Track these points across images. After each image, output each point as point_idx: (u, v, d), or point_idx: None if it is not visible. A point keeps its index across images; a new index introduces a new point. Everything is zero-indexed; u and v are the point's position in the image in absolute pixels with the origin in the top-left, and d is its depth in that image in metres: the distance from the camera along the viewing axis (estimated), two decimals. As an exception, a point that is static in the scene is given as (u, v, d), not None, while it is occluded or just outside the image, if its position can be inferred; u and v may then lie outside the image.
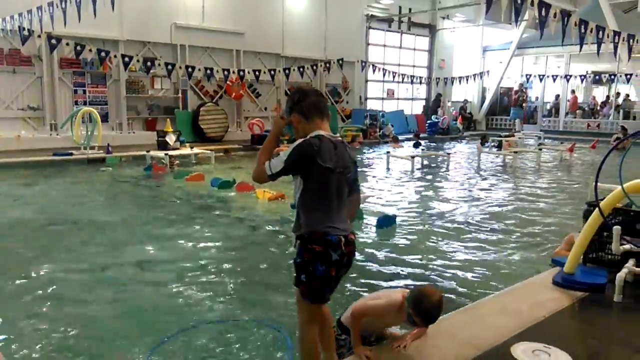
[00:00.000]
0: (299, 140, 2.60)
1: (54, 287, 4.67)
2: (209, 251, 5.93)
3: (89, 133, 13.05)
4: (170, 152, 12.57)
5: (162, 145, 13.43)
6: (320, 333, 2.69)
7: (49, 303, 4.33)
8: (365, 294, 4.58)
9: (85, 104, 14.78)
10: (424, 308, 2.85)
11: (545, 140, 19.44)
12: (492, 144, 17.89)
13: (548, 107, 26.00)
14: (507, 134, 19.75)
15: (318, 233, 2.52)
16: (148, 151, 12.76)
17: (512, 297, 4.01)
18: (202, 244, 6.17)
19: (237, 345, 3.58)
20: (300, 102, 2.64)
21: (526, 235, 6.72)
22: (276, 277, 5.02)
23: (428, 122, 23.46)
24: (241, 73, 16.07)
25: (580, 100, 26.11)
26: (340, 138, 2.72)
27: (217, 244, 6.27)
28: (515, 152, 14.86)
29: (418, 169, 13.17)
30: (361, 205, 7.97)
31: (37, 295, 4.47)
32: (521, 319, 3.57)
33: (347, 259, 2.62)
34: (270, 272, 5.23)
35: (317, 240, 2.51)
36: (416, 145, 18.37)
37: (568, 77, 23.79)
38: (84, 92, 15.19)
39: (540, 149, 15.72)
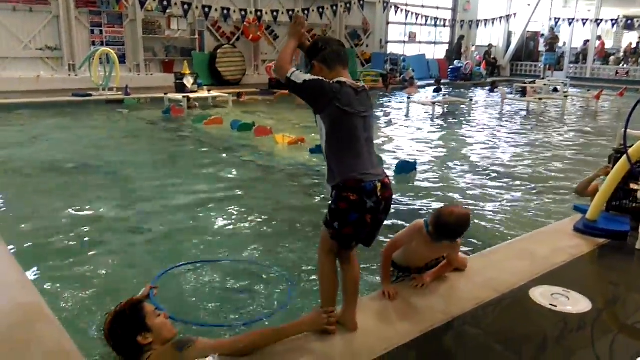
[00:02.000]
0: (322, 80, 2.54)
1: (76, 227, 4.79)
2: (228, 192, 5.96)
3: (107, 74, 12.99)
4: (188, 95, 12.50)
5: (180, 87, 13.34)
6: (344, 278, 2.72)
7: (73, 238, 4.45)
8: (382, 239, 4.63)
9: (102, 44, 14.63)
10: (442, 222, 2.90)
11: (571, 89, 18.82)
12: (515, 90, 17.41)
13: (575, 53, 25.02)
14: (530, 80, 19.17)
15: (352, 181, 2.47)
16: (166, 93, 12.70)
17: (532, 243, 3.98)
18: (220, 185, 6.22)
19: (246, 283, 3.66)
20: (323, 51, 2.60)
21: (548, 183, 6.63)
22: (294, 219, 5.05)
23: (450, 67, 22.79)
24: (259, 14, 15.65)
25: (609, 46, 25.03)
26: (362, 84, 2.65)
27: (235, 186, 6.30)
28: (540, 99, 14.45)
29: (439, 116, 12.93)
30: (379, 151, 7.92)
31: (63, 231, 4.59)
32: (541, 263, 3.55)
33: (385, 205, 2.59)
34: (289, 215, 5.25)
35: (351, 188, 2.47)
36: (437, 91, 17.95)
37: (599, 21, 22.70)
38: (101, 32, 15.00)
39: (566, 96, 15.26)
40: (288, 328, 2.57)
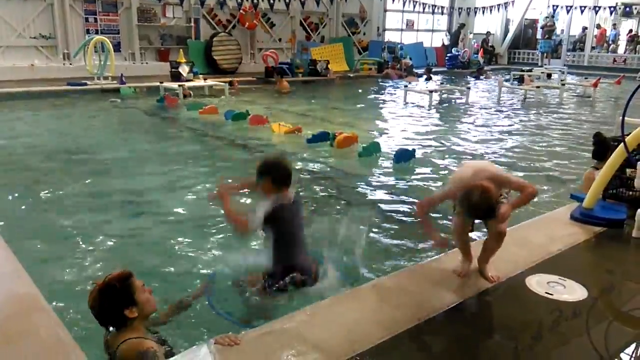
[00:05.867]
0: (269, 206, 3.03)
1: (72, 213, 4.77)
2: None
3: (102, 63, 12.88)
4: (184, 84, 12.41)
5: (176, 76, 13.27)
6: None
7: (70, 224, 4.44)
8: (386, 225, 4.63)
9: (97, 32, 14.48)
10: (468, 204, 2.85)
11: (568, 77, 18.78)
12: (513, 77, 17.36)
13: (572, 40, 24.91)
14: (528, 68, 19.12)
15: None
16: (161, 82, 12.61)
17: (529, 231, 3.98)
18: (215, 177, 6.19)
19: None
20: (274, 174, 3.11)
21: (545, 171, 6.63)
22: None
23: (448, 55, 22.67)
24: (255, 1, 15.51)
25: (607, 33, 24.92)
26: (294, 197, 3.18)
27: (231, 176, 6.27)
28: (538, 87, 14.41)
29: (436, 104, 12.88)
30: (378, 139, 7.90)
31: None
32: (537, 252, 3.56)
33: None
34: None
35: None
36: (428, 80, 17.82)
37: (597, 8, 22.59)
38: (95, 20, 14.85)
39: (563, 84, 15.22)
40: None
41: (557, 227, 4.07)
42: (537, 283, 3.11)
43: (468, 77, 19.47)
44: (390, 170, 6.66)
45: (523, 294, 3.01)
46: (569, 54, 24.51)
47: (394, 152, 6.98)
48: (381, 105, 12.39)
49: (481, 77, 17.87)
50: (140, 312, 2.37)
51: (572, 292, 3.02)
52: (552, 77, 18.41)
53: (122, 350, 2.31)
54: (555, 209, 4.70)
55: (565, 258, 3.52)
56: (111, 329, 2.41)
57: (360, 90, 15.57)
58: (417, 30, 23.97)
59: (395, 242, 4.34)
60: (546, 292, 3.00)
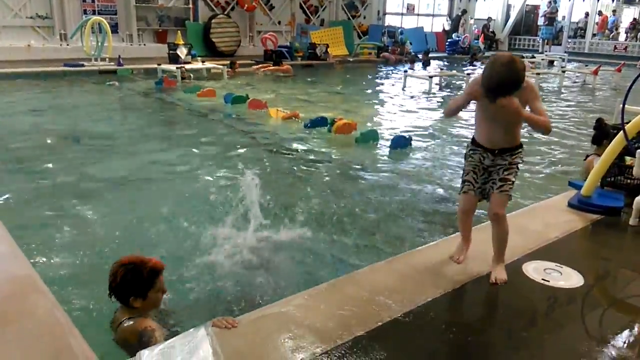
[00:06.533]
0: None
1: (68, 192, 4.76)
2: (220, 168, 5.92)
3: (99, 44, 12.75)
4: (182, 66, 12.31)
5: (174, 58, 13.17)
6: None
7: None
8: (379, 204, 4.63)
9: (94, 13, 14.33)
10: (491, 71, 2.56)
11: (569, 64, 18.66)
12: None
13: (573, 27, 24.74)
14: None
15: None
16: (159, 64, 12.51)
17: (526, 218, 3.99)
18: (213, 161, 6.17)
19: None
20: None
21: (543, 158, 6.62)
22: (286, 194, 5.03)
23: (448, 40, 22.51)
24: (254, -17, 15.33)
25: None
26: None
27: (228, 160, 6.25)
28: (538, 74, 14.33)
29: (436, 89, 12.81)
30: (376, 125, 7.86)
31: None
32: (534, 239, 3.56)
33: None
34: (281, 190, 5.22)
35: None
36: (425, 65, 17.69)
37: (599, -6, 22.42)
38: (93, 0, 14.67)
39: (564, 72, 15.15)
40: None
41: (555, 214, 4.07)
42: (534, 270, 3.12)
43: (464, 62, 19.36)
44: (386, 157, 6.64)
45: (519, 280, 3.01)
46: (569, 40, 24.36)
47: (391, 138, 6.96)
48: (380, 91, 12.33)
49: (475, 62, 17.73)
50: (143, 306, 2.47)
51: (568, 279, 3.03)
52: (554, 64, 18.32)
53: (122, 329, 2.39)
54: (552, 196, 4.70)
55: (562, 245, 3.53)
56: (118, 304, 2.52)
57: (359, 75, 15.48)
58: (418, 15, 23.75)
59: (389, 227, 4.34)
60: (542, 279, 3.01)
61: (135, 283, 2.43)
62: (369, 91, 12.80)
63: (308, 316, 2.52)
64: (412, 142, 6.99)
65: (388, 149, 6.81)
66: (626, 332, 2.60)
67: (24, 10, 13.71)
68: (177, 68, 12.08)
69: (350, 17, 20.35)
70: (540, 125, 2.77)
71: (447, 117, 3.07)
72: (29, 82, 10.94)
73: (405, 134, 7.25)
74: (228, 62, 13.67)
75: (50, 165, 5.65)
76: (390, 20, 22.37)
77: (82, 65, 12.47)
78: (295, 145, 6.89)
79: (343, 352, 2.27)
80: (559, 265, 3.17)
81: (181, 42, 13.40)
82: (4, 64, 11.96)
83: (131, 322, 2.40)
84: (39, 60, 12.98)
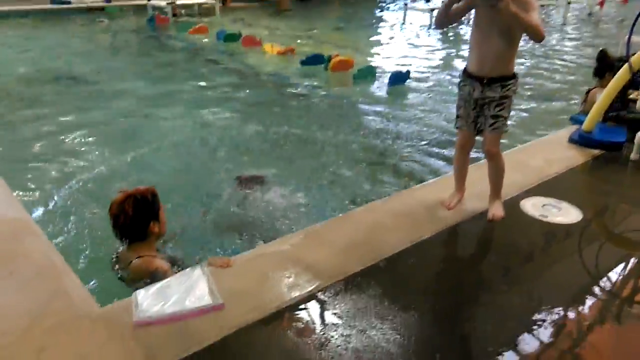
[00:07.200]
0: None
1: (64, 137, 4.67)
2: (213, 106, 5.79)
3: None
4: (173, 1, 11.83)
5: (164, -7, 12.61)
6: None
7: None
8: (377, 142, 4.58)
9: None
10: None
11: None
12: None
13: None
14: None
15: None
16: (149, 0, 12.03)
17: (526, 154, 3.93)
18: (206, 99, 6.04)
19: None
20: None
21: (545, 92, 6.49)
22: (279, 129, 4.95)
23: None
24: None
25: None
26: None
27: (220, 99, 6.11)
28: (542, 6, 13.83)
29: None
30: (374, 61, 7.66)
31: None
32: (533, 175, 3.52)
33: None
34: (275, 127, 5.11)
35: None
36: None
37: None
38: None
39: (569, 3, 14.60)
40: None
41: (555, 150, 4.01)
42: (532, 206, 3.09)
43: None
44: (385, 93, 6.51)
45: (517, 217, 3.00)
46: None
47: (389, 74, 6.79)
48: (380, 25, 11.93)
49: None
50: (159, 229, 2.45)
51: (566, 214, 3.01)
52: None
53: (136, 265, 2.35)
54: (554, 131, 4.62)
55: (561, 181, 3.49)
56: (122, 246, 2.47)
57: (359, 9, 14.94)
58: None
59: (387, 165, 4.30)
60: (540, 215, 2.99)
61: (147, 208, 2.41)
62: (369, 26, 12.40)
63: (304, 255, 2.51)
64: (411, 76, 6.82)
65: (386, 85, 6.66)
66: (621, 266, 2.61)
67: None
68: (167, 4, 11.63)
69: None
70: (532, 25, 2.54)
71: (438, 25, 2.90)
72: (15, 20, 10.56)
73: (404, 69, 7.07)
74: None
75: (38, 106, 5.54)
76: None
77: (69, 3, 12.03)
78: (291, 81, 6.73)
79: (339, 289, 2.27)
80: (557, 200, 3.14)
81: (171, -25, 12.80)
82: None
83: (142, 260, 2.37)
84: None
